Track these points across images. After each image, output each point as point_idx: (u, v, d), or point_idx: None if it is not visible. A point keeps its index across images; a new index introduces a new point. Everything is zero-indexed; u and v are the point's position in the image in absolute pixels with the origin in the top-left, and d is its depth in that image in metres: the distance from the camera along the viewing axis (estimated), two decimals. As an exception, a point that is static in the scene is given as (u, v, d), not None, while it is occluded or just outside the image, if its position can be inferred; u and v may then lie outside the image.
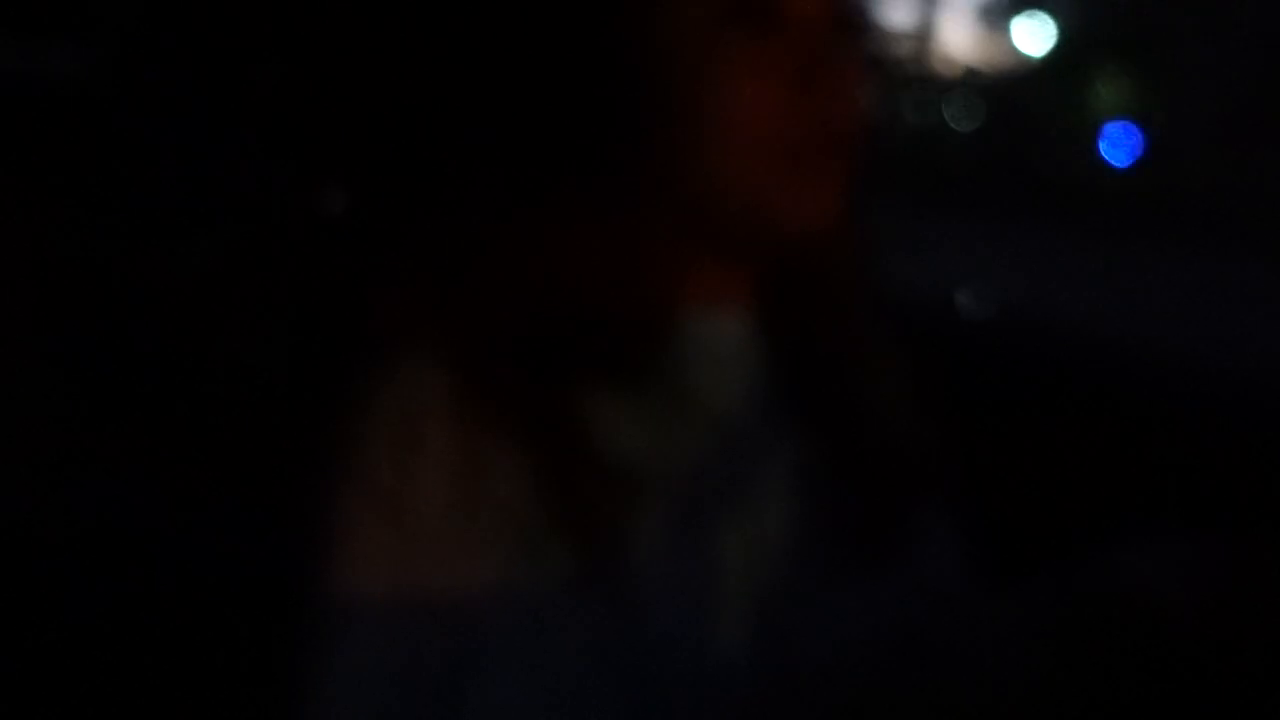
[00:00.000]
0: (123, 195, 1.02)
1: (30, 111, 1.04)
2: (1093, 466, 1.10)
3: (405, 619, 0.65)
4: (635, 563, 0.70)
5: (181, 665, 0.97)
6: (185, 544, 0.99)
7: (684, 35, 0.71)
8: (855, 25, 0.77)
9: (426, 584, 0.66)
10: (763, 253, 0.78)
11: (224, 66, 1.06)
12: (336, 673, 0.66)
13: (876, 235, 0.83)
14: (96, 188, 1.01)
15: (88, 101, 1.09)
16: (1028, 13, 13.17)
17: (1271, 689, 0.60)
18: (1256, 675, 0.60)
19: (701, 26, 0.71)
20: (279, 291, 0.99)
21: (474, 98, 0.76)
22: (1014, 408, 1.16)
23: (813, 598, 0.76)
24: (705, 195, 0.73)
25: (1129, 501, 1.06)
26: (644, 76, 0.71)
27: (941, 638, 0.79)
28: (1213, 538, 0.62)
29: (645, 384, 0.72)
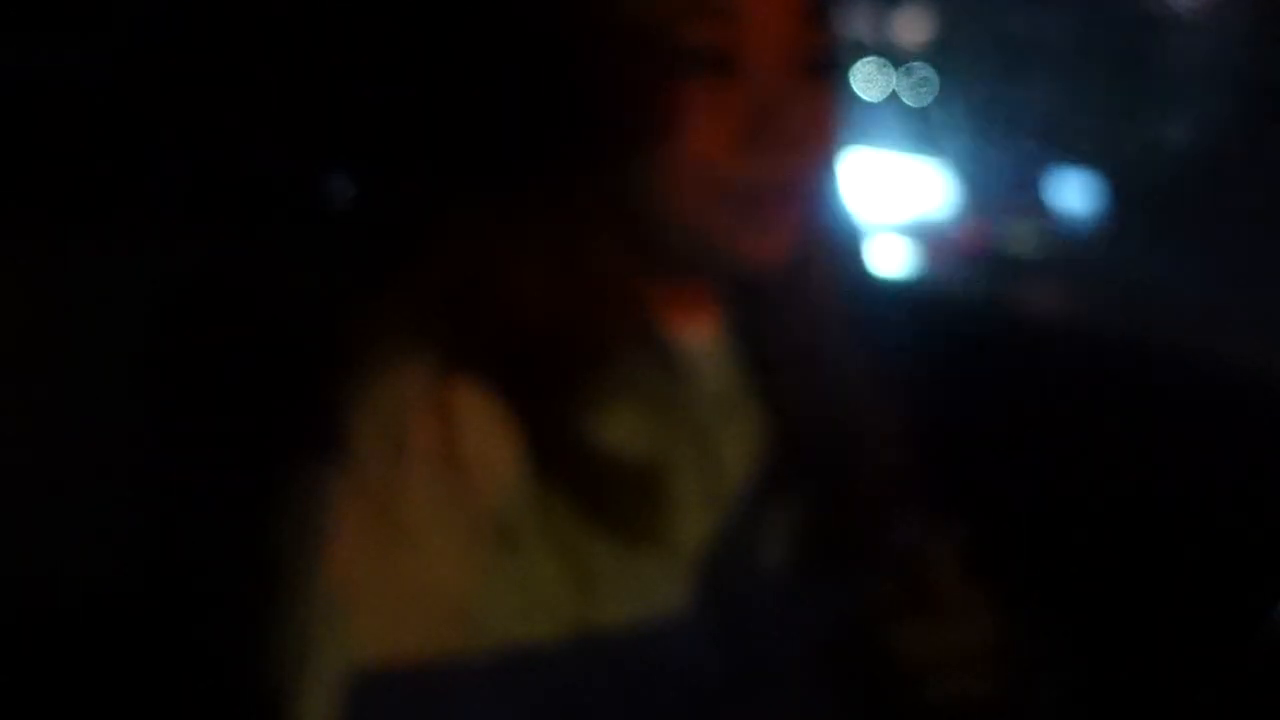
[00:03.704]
0: (125, 191, 1.02)
1: (33, 109, 1.04)
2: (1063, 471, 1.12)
3: (391, 620, 0.65)
4: (609, 565, 0.71)
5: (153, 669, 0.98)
6: (166, 541, 0.99)
7: (641, 75, 0.70)
8: (824, 69, 0.74)
9: (413, 584, 0.65)
10: (724, 281, 0.78)
11: (229, 61, 1.05)
12: (318, 675, 0.65)
13: (849, 255, 0.83)
14: (99, 184, 1.01)
15: (90, 98, 1.09)
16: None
17: None
18: None
19: (659, 69, 0.70)
20: (279, 285, 0.99)
21: (455, 103, 0.75)
22: (987, 405, 1.16)
23: (787, 603, 0.77)
24: (659, 231, 0.73)
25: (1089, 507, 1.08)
26: (601, 110, 0.71)
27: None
28: None
29: (623, 395, 0.72)
